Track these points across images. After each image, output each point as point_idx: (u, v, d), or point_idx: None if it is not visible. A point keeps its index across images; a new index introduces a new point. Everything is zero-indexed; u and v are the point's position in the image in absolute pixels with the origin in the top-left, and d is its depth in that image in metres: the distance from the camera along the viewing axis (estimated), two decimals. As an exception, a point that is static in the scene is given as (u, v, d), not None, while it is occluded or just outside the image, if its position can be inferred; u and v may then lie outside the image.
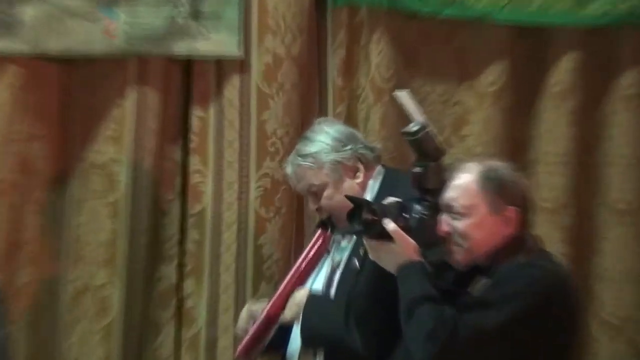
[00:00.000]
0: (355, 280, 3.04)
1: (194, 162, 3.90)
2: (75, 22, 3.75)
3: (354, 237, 3.04)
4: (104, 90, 3.89)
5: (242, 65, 3.86)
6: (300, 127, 3.86)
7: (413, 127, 2.74)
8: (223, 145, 3.88)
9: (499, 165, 2.74)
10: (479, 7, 3.99)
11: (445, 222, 2.66)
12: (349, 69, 3.97)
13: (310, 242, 3.26)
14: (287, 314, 3.13)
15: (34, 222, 3.85)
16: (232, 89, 3.89)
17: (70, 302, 3.85)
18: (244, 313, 3.28)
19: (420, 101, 3.67)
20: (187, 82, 3.93)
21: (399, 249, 2.64)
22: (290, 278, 3.20)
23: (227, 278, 3.84)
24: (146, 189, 3.87)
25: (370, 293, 2.95)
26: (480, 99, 4.05)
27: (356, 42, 3.96)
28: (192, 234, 3.86)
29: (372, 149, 3.22)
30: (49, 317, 3.83)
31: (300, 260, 3.23)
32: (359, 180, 3.16)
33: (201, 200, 3.85)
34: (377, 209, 2.68)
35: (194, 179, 3.88)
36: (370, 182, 3.18)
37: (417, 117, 2.78)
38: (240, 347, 3.21)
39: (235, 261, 3.85)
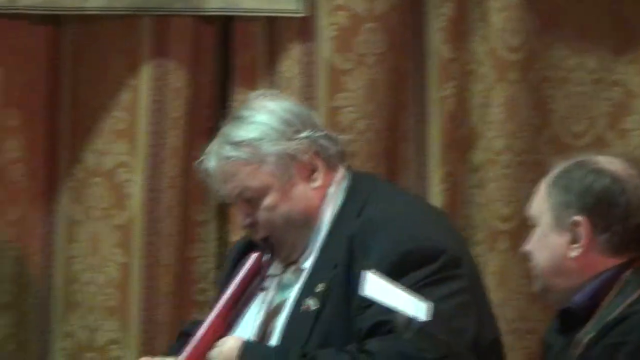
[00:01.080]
0: (312, 326, 2.64)
1: None
2: None
3: (307, 268, 2.70)
4: (106, 64, 3.46)
5: (304, 28, 3.39)
6: (390, 118, 3.39)
7: None
8: None
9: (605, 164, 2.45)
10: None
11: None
12: (459, 33, 3.43)
13: (239, 272, 2.78)
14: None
15: (10, 253, 3.46)
16: (290, 62, 3.40)
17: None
18: None
19: (563, 81, 3.39)
20: (225, 52, 3.49)
21: None
22: (213, 322, 2.71)
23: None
24: (169, 206, 3.41)
25: (339, 341, 2.63)
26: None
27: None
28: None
29: (335, 140, 2.73)
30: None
31: (225, 297, 2.75)
32: (316, 185, 2.68)
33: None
34: None
35: None
36: (331, 189, 2.70)
37: None
38: None
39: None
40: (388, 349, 2.56)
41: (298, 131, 2.67)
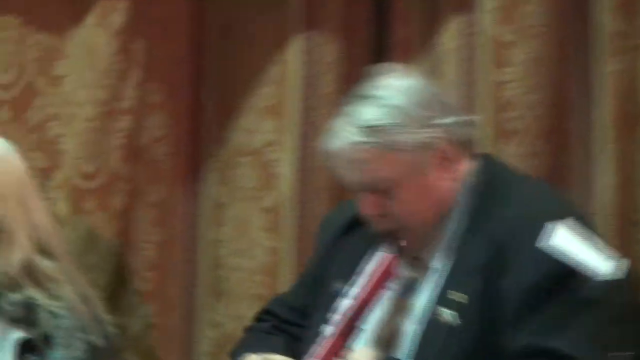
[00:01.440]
0: (448, 341, 2.44)
1: None
2: None
3: (437, 268, 2.53)
4: (254, 37, 3.34)
5: None
6: (557, 93, 3.17)
7: None
8: None
9: None
10: None
11: None
12: (629, 3, 3.13)
13: (369, 270, 2.62)
14: None
15: (151, 237, 3.39)
16: (449, 35, 3.20)
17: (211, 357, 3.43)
18: None
19: None
20: (380, 24, 3.32)
21: None
22: (343, 327, 2.57)
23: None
24: (318, 187, 3.28)
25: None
26: None
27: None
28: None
29: (470, 125, 2.56)
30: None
31: (357, 298, 2.59)
32: (450, 175, 2.53)
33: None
34: None
35: None
36: (466, 179, 2.54)
37: None
38: None
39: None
40: None
41: (434, 117, 2.49)
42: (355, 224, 2.64)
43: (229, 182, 3.35)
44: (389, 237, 2.49)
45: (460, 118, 2.50)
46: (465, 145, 2.49)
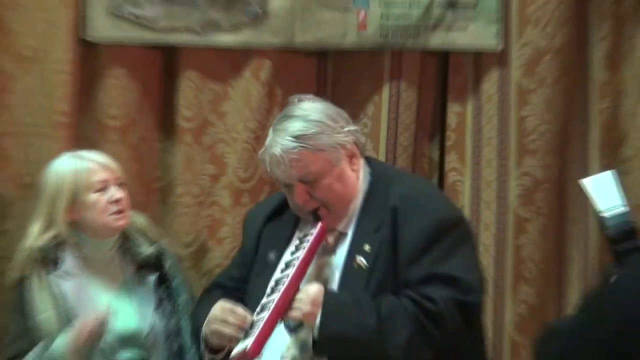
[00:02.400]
0: (366, 281, 2.77)
1: (451, 159, 3.75)
2: (327, 12, 3.59)
3: (349, 232, 2.82)
4: (358, 85, 3.74)
5: (500, 58, 3.69)
6: (563, 124, 3.71)
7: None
8: (481, 143, 3.74)
9: None
10: None
11: None
12: (614, 62, 3.76)
13: (307, 238, 2.85)
14: (302, 309, 2.69)
15: None
16: (490, 83, 3.72)
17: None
18: (217, 310, 2.84)
19: None
20: (443, 75, 3.78)
21: None
22: (296, 275, 2.74)
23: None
24: None
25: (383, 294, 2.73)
26: None
27: (620, 34, 3.75)
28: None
29: (361, 133, 2.97)
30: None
31: (303, 253, 2.80)
32: (355, 167, 2.87)
33: (459, 199, 3.71)
34: None
35: (451, 177, 3.74)
36: (363, 170, 2.90)
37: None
38: (252, 345, 2.64)
39: (494, 263, 3.71)
40: (445, 295, 2.67)
41: (342, 125, 2.83)
42: (278, 212, 3.01)
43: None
44: (315, 215, 2.82)
45: (356, 128, 2.91)
46: (361, 146, 2.88)
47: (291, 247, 2.88)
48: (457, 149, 3.74)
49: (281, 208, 2.99)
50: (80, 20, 3.45)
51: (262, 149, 2.84)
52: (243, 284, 3.00)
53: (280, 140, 2.76)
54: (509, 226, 3.71)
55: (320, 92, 3.68)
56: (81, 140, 3.42)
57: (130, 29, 3.49)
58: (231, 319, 2.75)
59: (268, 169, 2.84)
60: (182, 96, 3.58)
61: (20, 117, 3.43)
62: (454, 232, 2.77)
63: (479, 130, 3.73)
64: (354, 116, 3.64)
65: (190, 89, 3.57)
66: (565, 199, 3.72)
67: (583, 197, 3.20)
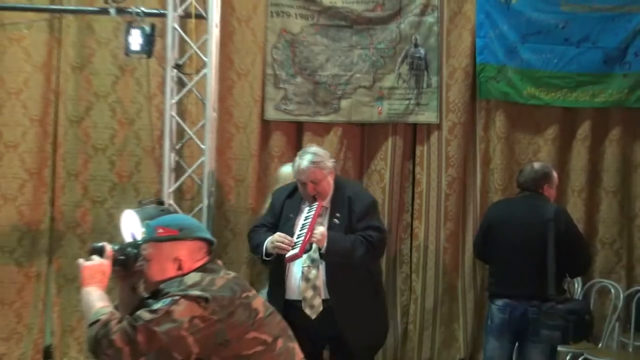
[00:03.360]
0: (337, 229, 4.57)
1: (417, 172, 6.99)
2: (364, 108, 6.78)
3: (328, 206, 4.56)
4: (376, 139, 6.74)
5: (438, 126, 6.77)
6: (464, 157, 6.70)
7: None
8: (441, 163, 6.86)
9: None
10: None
11: None
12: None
13: (313, 208, 4.60)
14: (317, 237, 4.40)
15: None
16: (434, 136, 6.84)
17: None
18: (277, 236, 4.54)
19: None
20: (413, 134, 6.87)
21: None
22: (312, 222, 4.48)
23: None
24: None
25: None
26: None
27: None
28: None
29: (335, 164, 4.66)
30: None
31: (313, 214, 4.50)
32: (332, 178, 4.64)
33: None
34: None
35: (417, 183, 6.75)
36: (331, 181, 4.69)
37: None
38: (298, 251, 4.37)
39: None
40: (375, 235, 4.49)
41: (330, 157, 4.73)
42: (292, 194, 4.76)
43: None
44: (314, 198, 4.60)
45: (334, 160, 4.78)
46: (335, 169, 4.77)
47: (304, 212, 4.60)
48: (420, 165, 6.70)
49: (293, 192, 4.78)
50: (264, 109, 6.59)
51: (294, 165, 4.71)
52: (274, 227, 4.81)
53: (304, 162, 4.54)
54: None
55: (362, 143, 6.71)
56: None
57: (282, 114, 6.77)
58: (286, 240, 4.56)
59: (295, 175, 4.70)
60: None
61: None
62: (375, 207, 4.78)
63: (437, 156, 6.56)
64: (375, 155, 6.74)
65: (309, 141, 6.53)
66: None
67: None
